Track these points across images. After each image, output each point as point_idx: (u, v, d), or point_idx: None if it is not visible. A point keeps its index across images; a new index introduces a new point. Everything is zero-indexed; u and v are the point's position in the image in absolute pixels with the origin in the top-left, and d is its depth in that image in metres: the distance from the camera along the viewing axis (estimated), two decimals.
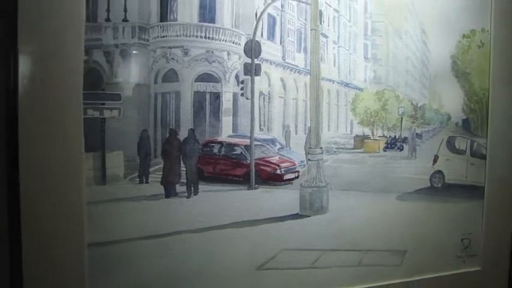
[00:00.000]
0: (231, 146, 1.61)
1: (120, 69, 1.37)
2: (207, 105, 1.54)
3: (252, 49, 1.56)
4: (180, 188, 1.45)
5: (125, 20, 1.37)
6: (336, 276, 1.59)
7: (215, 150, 1.59)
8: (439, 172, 1.84)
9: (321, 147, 1.66)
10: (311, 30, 1.64)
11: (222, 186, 1.55)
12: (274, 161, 1.67)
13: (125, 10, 1.36)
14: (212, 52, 1.53)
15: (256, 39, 1.57)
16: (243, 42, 1.56)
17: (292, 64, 1.72)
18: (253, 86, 1.59)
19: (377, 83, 1.80)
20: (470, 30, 1.82)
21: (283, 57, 1.70)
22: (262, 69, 1.59)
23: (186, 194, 1.46)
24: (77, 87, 1.19)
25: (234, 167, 1.61)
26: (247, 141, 1.59)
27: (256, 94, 1.60)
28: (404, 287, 1.70)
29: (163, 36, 1.45)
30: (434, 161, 1.84)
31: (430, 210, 1.79)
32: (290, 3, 1.69)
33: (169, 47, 1.46)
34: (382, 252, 1.69)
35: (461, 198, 1.84)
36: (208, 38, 1.51)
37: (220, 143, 1.59)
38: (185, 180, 1.46)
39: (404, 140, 1.87)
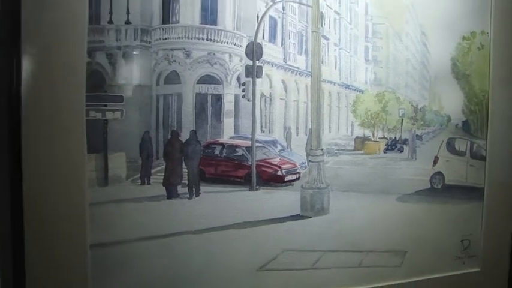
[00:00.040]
0: (233, 147, 1.61)
1: (123, 71, 1.37)
2: (209, 107, 1.54)
3: (254, 51, 1.56)
4: (181, 189, 1.44)
5: (128, 22, 1.37)
6: (336, 277, 1.59)
7: (217, 152, 1.59)
8: (439, 173, 1.84)
9: (322, 149, 1.66)
10: (312, 32, 1.64)
11: (224, 187, 1.55)
12: (276, 163, 1.67)
13: (128, 12, 1.36)
14: (214, 54, 1.52)
15: (258, 41, 1.57)
16: (244, 44, 1.55)
17: (293, 66, 1.72)
18: (255, 88, 1.58)
19: (377, 85, 1.80)
20: (470, 33, 1.82)
21: (285, 59, 1.70)
22: (263, 71, 1.59)
23: (187, 195, 1.45)
24: (80, 89, 1.19)
25: (235, 169, 1.61)
26: (248, 143, 1.59)
27: (258, 96, 1.60)
28: None
29: (166, 39, 1.45)
30: (435, 162, 1.84)
31: (430, 212, 1.79)
32: (291, 6, 1.69)
33: (172, 49, 1.46)
34: (382, 253, 1.69)
35: (461, 199, 1.84)
36: (210, 40, 1.51)
37: (222, 144, 1.59)
38: (187, 182, 1.46)
39: (405, 141, 1.87)
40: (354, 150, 1.80)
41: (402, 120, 1.87)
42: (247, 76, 1.57)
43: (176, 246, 1.37)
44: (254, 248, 1.48)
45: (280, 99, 1.70)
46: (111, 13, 1.33)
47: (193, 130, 1.46)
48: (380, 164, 1.79)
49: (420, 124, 1.88)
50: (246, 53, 1.55)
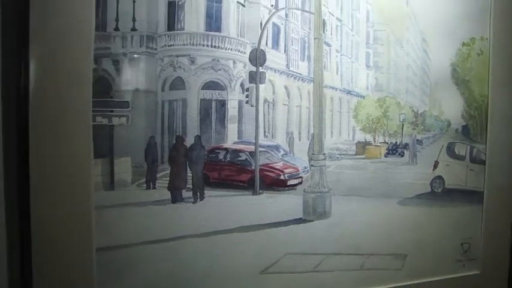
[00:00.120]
0: (236, 152, 1.61)
1: (129, 78, 1.37)
2: (213, 112, 1.54)
3: (257, 57, 1.56)
4: (186, 194, 1.45)
5: (134, 29, 1.38)
6: (338, 279, 1.59)
7: (221, 157, 1.59)
8: (439, 177, 1.84)
9: (324, 154, 1.66)
10: (314, 39, 1.64)
11: (227, 191, 1.55)
12: (278, 167, 1.67)
13: (134, 20, 1.37)
14: (218, 60, 1.53)
15: (261, 47, 1.57)
16: (248, 50, 1.56)
17: (296, 72, 1.72)
18: (258, 94, 1.59)
19: (378, 91, 1.80)
20: (470, 39, 1.82)
21: (287, 66, 1.70)
22: (266, 77, 1.59)
23: (192, 200, 1.46)
24: (86, 95, 1.19)
25: (239, 173, 1.61)
26: (251, 148, 1.59)
27: (261, 101, 1.60)
28: None
29: (171, 45, 1.45)
30: (435, 166, 1.83)
31: (431, 215, 1.79)
32: (294, 13, 1.69)
33: (177, 56, 1.47)
34: (383, 256, 1.69)
35: (461, 203, 1.84)
36: (215, 46, 1.51)
37: (226, 149, 1.59)
38: (191, 186, 1.46)
39: (405, 146, 1.87)
40: (355, 154, 1.80)
41: (403, 125, 1.87)
42: (250, 82, 1.57)
43: (181, 249, 1.37)
44: (257, 251, 1.48)
45: (283, 104, 1.71)
46: (117, 20, 1.33)
47: (197, 135, 1.46)
48: (381, 168, 1.79)
49: (420, 129, 1.88)
50: (250, 60, 1.56)
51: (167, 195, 1.42)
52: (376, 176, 1.77)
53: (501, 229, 1.85)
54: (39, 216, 1.15)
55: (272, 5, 1.59)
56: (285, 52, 1.70)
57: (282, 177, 1.67)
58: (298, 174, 1.69)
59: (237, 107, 1.59)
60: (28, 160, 1.13)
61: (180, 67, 1.48)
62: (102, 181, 1.30)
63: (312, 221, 1.60)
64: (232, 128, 1.56)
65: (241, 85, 1.58)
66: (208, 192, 1.48)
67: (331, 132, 1.79)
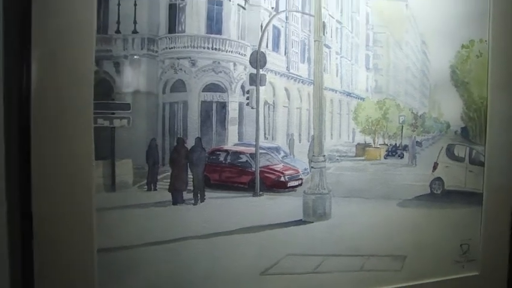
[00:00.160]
0: (237, 154, 1.61)
1: (130, 80, 1.37)
2: (214, 114, 1.54)
3: (257, 60, 1.56)
4: (187, 195, 1.45)
5: (135, 31, 1.38)
6: (338, 280, 1.59)
7: (221, 158, 1.59)
8: (439, 179, 1.84)
9: (324, 155, 1.66)
10: (314, 41, 1.64)
11: (228, 193, 1.55)
12: (279, 169, 1.67)
13: (135, 22, 1.37)
14: (219, 63, 1.53)
15: (262, 50, 1.57)
16: (248, 53, 1.56)
17: (296, 74, 1.72)
18: (258, 96, 1.59)
19: (378, 93, 1.80)
20: (469, 41, 1.82)
21: (288, 68, 1.71)
22: (267, 79, 1.60)
23: (192, 201, 1.46)
24: (88, 97, 1.19)
25: (239, 175, 1.61)
26: (252, 150, 1.59)
27: (261, 103, 1.60)
28: None
29: (172, 48, 1.45)
30: (434, 168, 1.83)
31: (430, 216, 1.79)
32: (294, 15, 1.70)
33: (178, 58, 1.47)
34: (383, 257, 1.69)
35: (460, 204, 1.84)
36: (215, 49, 1.51)
37: (226, 151, 1.59)
38: (192, 188, 1.46)
39: (405, 147, 1.87)
40: (355, 156, 1.80)
41: (402, 127, 1.87)
42: (251, 84, 1.58)
43: (182, 251, 1.37)
44: (258, 252, 1.48)
45: (283, 106, 1.71)
46: (118, 23, 1.34)
47: (198, 137, 1.46)
48: (381, 170, 1.79)
49: (420, 131, 1.89)
50: (250, 62, 1.56)
51: (168, 196, 1.42)
52: (375, 177, 1.77)
53: (500, 230, 1.85)
54: (41, 218, 1.15)
55: (272, 8, 1.59)
56: (285, 54, 1.70)
57: (282, 178, 1.67)
58: (298, 176, 1.69)
59: (237, 109, 1.59)
60: (29, 160, 1.13)
61: (181, 69, 1.48)
62: (104, 183, 1.31)
63: (312, 222, 1.60)
64: (232, 130, 1.56)
65: (242, 87, 1.58)
66: (208, 193, 1.49)
67: (331, 134, 1.79)
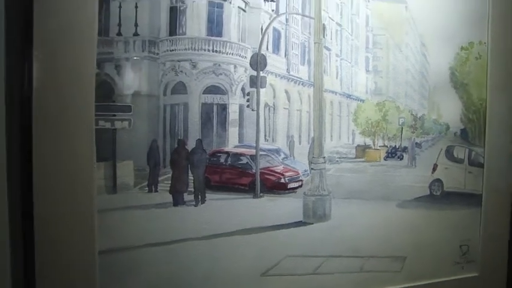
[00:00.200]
0: (237, 155, 1.61)
1: (131, 82, 1.38)
2: (214, 116, 1.54)
3: (258, 62, 1.56)
4: (187, 197, 1.45)
5: (136, 34, 1.38)
6: (338, 282, 1.59)
7: (222, 160, 1.60)
8: (438, 180, 1.84)
9: (324, 157, 1.66)
10: (314, 43, 1.64)
11: (228, 194, 1.55)
12: (279, 171, 1.67)
13: (136, 25, 1.37)
14: (219, 65, 1.53)
15: (262, 52, 1.58)
16: (249, 55, 1.56)
17: (296, 76, 1.73)
18: (259, 98, 1.59)
19: (378, 94, 1.80)
20: (468, 43, 1.83)
21: (288, 70, 1.71)
22: (267, 81, 1.60)
23: (193, 203, 1.46)
24: (89, 99, 1.19)
25: (239, 176, 1.62)
26: (252, 151, 1.59)
27: (262, 105, 1.61)
28: None
29: (173, 50, 1.45)
30: (434, 169, 1.83)
31: (430, 218, 1.79)
32: (294, 18, 1.70)
33: (178, 60, 1.47)
34: (382, 258, 1.68)
35: (460, 205, 1.84)
36: (216, 51, 1.51)
37: (227, 153, 1.59)
38: (193, 189, 1.46)
39: (404, 149, 1.87)
40: (355, 158, 1.80)
41: (402, 128, 1.87)
42: (251, 86, 1.58)
43: (182, 252, 1.37)
44: (258, 253, 1.48)
45: (284, 108, 1.71)
46: (119, 25, 1.34)
47: (199, 139, 1.47)
48: (380, 171, 1.80)
49: (419, 132, 1.89)
50: (251, 64, 1.56)
51: (169, 198, 1.42)
52: (375, 179, 1.77)
53: (499, 231, 1.85)
54: (42, 219, 1.15)
55: (273, 10, 1.59)
56: (285, 57, 1.70)
57: (282, 180, 1.67)
58: (299, 177, 1.69)
59: (238, 111, 1.59)
60: (31, 160, 1.13)
61: (181, 72, 1.49)
62: (105, 184, 1.31)
63: (312, 223, 1.60)
64: (233, 132, 1.56)
65: (242, 89, 1.59)
66: (209, 195, 1.49)
67: (331, 136, 1.79)
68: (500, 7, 1.80)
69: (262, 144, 1.62)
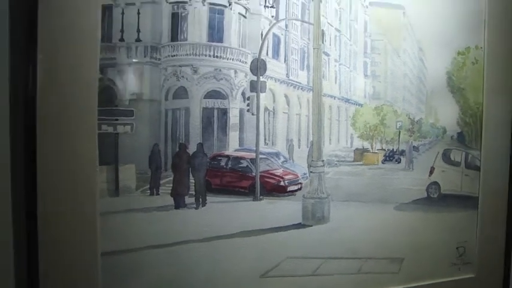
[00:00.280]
0: (238, 159, 1.62)
1: (133, 87, 1.38)
2: (215, 120, 1.55)
3: (258, 67, 1.57)
4: (188, 200, 1.45)
5: (138, 40, 1.38)
6: (336, 283, 1.59)
7: (222, 164, 1.60)
8: (435, 183, 1.84)
9: (323, 160, 1.66)
10: (313, 49, 1.65)
11: (229, 197, 1.55)
12: (278, 174, 1.68)
13: (138, 31, 1.38)
14: (220, 70, 1.53)
15: (262, 57, 1.58)
16: (249, 60, 1.57)
17: (295, 81, 1.73)
18: (259, 102, 1.60)
19: (376, 99, 1.80)
20: (465, 48, 1.83)
21: (287, 75, 1.71)
22: (267, 86, 1.60)
23: (194, 205, 1.46)
24: (92, 104, 1.20)
25: (240, 179, 1.62)
26: (252, 155, 1.60)
27: (262, 110, 1.61)
28: None
29: (174, 55, 1.46)
30: (431, 172, 1.84)
31: (427, 220, 1.79)
32: (294, 24, 1.70)
33: (180, 66, 1.47)
34: (380, 260, 1.69)
35: (457, 208, 1.84)
36: (217, 56, 1.51)
37: (227, 156, 1.59)
38: (194, 192, 1.47)
39: (402, 152, 1.87)
40: (353, 161, 1.80)
41: (399, 132, 1.87)
42: (251, 91, 1.58)
43: (183, 254, 1.38)
44: (258, 255, 1.48)
45: (283, 113, 1.71)
46: (122, 31, 1.34)
47: (200, 143, 1.47)
48: (378, 174, 1.80)
49: (417, 136, 1.89)
50: (251, 69, 1.57)
51: (170, 201, 1.43)
52: (373, 182, 1.77)
53: (496, 233, 1.85)
54: (46, 220, 1.15)
55: (272, 16, 1.59)
56: (285, 62, 1.70)
57: (282, 183, 1.67)
58: (298, 180, 1.70)
59: (238, 115, 1.59)
60: (35, 160, 1.13)
61: (183, 77, 1.49)
62: (107, 187, 1.31)
63: (311, 225, 1.60)
64: (233, 136, 1.56)
65: (243, 94, 1.59)
66: (210, 198, 1.49)
67: (330, 140, 1.80)
68: (496, 12, 1.80)
69: (262, 147, 1.62)
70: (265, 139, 1.64)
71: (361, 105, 1.80)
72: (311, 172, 1.66)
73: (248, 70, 1.56)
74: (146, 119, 1.40)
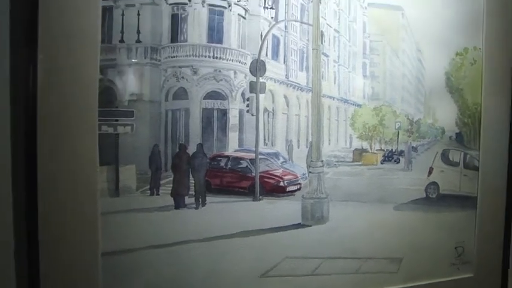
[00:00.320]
0: (237, 159, 1.61)
1: (133, 88, 1.38)
2: (215, 121, 1.55)
3: (257, 68, 1.57)
4: (188, 200, 1.45)
5: (138, 41, 1.38)
6: (335, 283, 1.59)
7: (222, 164, 1.60)
8: (434, 183, 1.83)
9: (322, 161, 1.66)
10: (313, 49, 1.65)
11: (229, 197, 1.55)
12: (278, 174, 1.67)
13: (138, 32, 1.38)
14: (220, 71, 1.53)
15: (261, 58, 1.58)
16: (248, 61, 1.56)
17: (295, 82, 1.73)
18: (258, 103, 1.59)
19: (375, 99, 1.80)
20: (463, 48, 1.83)
21: (287, 76, 1.71)
22: (266, 87, 1.60)
23: (194, 205, 1.46)
24: (93, 104, 1.20)
25: (239, 180, 1.62)
26: (252, 155, 1.60)
27: (261, 110, 1.61)
28: None
29: (174, 56, 1.46)
30: (429, 172, 1.83)
31: (426, 220, 1.78)
32: (293, 25, 1.70)
33: (180, 67, 1.48)
34: (379, 259, 1.68)
35: (455, 208, 1.83)
36: (216, 57, 1.51)
37: (227, 157, 1.59)
38: (193, 192, 1.47)
39: (401, 153, 1.87)
40: (352, 161, 1.80)
41: (398, 132, 1.87)
42: (251, 92, 1.58)
43: (183, 254, 1.37)
44: (257, 255, 1.48)
45: (283, 113, 1.71)
46: (122, 32, 1.34)
47: (199, 143, 1.47)
48: (377, 174, 1.80)
49: (415, 136, 1.89)
50: (250, 70, 1.56)
51: (170, 201, 1.42)
52: (372, 182, 1.77)
53: (494, 233, 1.85)
54: (47, 220, 1.15)
55: (272, 18, 1.59)
56: (284, 63, 1.70)
57: (281, 183, 1.67)
58: (297, 180, 1.69)
59: (237, 116, 1.59)
60: (35, 161, 1.13)
61: (183, 77, 1.49)
62: (108, 188, 1.31)
63: (311, 225, 1.60)
64: (233, 136, 1.56)
65: (242, 95, 1.59)
66: (210, 198, 1.49)
67: (329, 140, 1.79)
68: (494, 13, 1.80)
69: (262, 148, 1.62)
70: (264, 140, 1.64)
71: (360, 105, 1.80)
72: (310, 172, 1.66)
73: (248, 71, 1.56)
74: (146, 119, 1.40)
